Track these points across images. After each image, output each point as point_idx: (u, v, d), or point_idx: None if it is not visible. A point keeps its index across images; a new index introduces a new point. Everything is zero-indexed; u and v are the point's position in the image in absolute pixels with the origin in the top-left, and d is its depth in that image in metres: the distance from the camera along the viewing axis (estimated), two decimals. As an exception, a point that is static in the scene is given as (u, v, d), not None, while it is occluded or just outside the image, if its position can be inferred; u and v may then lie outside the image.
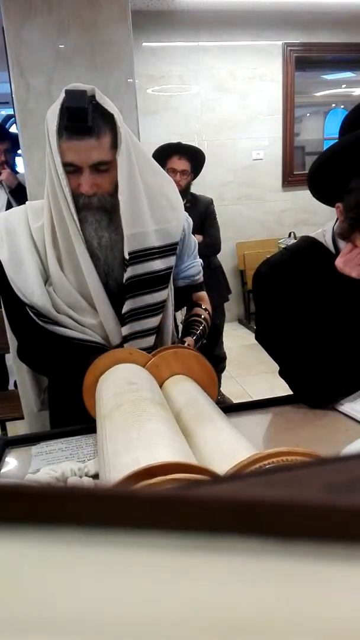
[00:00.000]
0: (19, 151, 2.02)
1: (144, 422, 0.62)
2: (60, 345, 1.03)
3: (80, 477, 0.79)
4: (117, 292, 1.03)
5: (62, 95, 0.92)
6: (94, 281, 0.99)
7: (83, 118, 0.89)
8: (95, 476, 0.79)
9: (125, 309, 1.03)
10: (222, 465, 0.55)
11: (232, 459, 0.54)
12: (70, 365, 1.01)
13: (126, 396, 0.72)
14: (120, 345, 1.04)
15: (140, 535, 0.15)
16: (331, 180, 0.95)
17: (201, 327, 1.18)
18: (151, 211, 1.03)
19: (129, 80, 1.83)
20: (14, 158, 2.77)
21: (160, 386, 0.89)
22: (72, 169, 0.93)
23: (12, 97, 1.84)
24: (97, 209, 0.97)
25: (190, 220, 1.17)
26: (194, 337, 1.14)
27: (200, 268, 1.24)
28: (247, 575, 0.14)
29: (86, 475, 0.79)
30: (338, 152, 0.93)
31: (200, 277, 1.24)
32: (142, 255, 1.03)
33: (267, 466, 0.47)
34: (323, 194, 1.01)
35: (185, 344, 1.08)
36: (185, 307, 1.29)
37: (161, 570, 0.14)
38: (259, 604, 0.14)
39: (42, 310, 0.99)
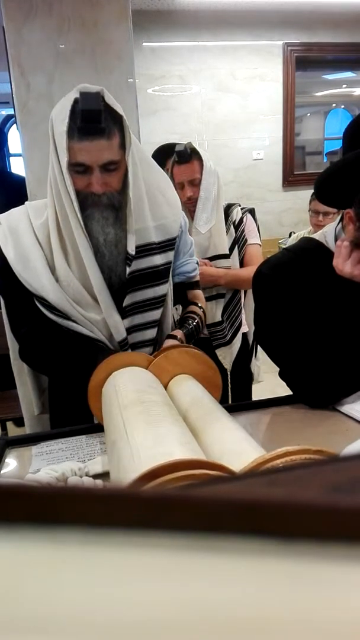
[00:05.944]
0: (18, 151, 2.02)
1: (160, 423, 0.63)
2: (67, 341, 1.04)
3: (81, 477, 0.78)
4: (119, 287, 1.04)
5: (71, 95, 0.93)
6: (96, 276, 1.00)
7: (98, 119, 0.91)
8: (95, 476, 0.79)
9: (126, 302, 1.04)
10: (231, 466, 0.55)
11: (242, 458, 0.54)
12: (77, 361, 1.02)
13: (145, 396, 0.73)
14: (124, 338, 1.05)
15: (140, 535, 0.15)
16: (339, 189, 0.95)
17: (195, 323, 1.18)
18: (150, 207, 1.05)
19: (129, 80, 1.84)
20: None
21: (165, 387, 0.89)
22: (81, 169, 0.94)
23: (12, 97, 1.84)
24: (106, 206, 0.99)
25: (186, 219, 1.19)
26: (186, 331, 1.14)
27: (196, 266, 1.24)
28: (247, 575, 0.14)
29: (86, 475, 0.79)
30: (344, 167, 0.92)
31: (196, 275, 1.25)
32: (143, 250, 1.05)
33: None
34: (330, 202, 1.01)
35: (177, 338, 1.08)
36: (180, 306, 1.29)
37: (161, 571, 0.14)
38: (260, 604, 0.14)
39: (54, 303, 1.00)
